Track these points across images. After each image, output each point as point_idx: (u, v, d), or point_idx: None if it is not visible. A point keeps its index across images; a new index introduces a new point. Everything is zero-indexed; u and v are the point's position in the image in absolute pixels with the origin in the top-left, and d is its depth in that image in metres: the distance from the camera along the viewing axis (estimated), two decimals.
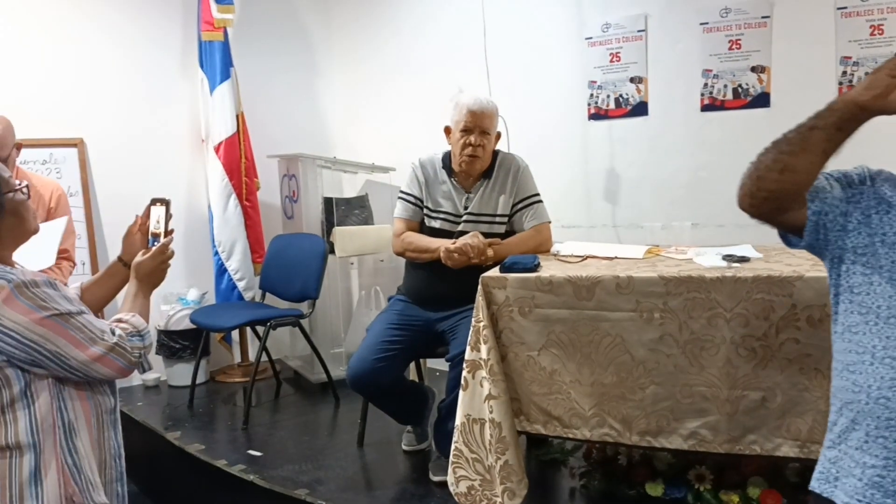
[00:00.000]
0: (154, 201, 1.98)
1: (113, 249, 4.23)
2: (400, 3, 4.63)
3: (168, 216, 1.96)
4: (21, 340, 1.52)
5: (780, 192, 1.41)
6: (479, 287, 2.47)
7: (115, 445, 1.78)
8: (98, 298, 1.93)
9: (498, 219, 3.01)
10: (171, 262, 1.92)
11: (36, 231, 1.73)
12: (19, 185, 1.68)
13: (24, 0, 3.97)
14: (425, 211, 3.07)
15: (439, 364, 4.14)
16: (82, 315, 1.62)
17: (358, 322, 4.29)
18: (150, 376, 4.31)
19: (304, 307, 4.00)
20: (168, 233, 1.94)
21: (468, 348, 2.47)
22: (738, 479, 2.49)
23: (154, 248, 1.89)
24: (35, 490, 1.58)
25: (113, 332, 1.66)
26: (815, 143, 1.35)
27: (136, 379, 4.31)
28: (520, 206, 3.01)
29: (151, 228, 1.96)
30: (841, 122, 1.32)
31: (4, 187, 1.63)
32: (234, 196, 4.38)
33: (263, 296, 4.26)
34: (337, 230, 4.16)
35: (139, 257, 1.88)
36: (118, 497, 1.78)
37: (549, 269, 2.50)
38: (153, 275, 1.88)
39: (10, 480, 1.57)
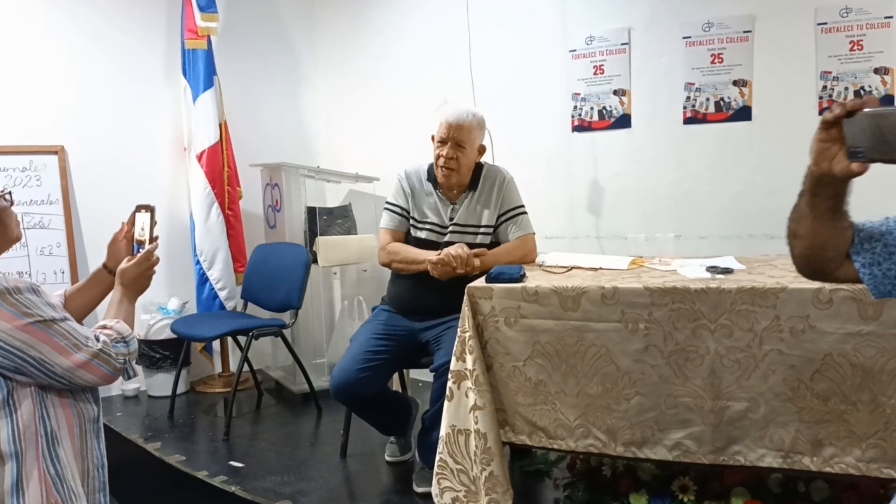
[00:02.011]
0: (139, 208, 1.97)
1: (93, 257, 4.20)
2: (385, 14, 4.64)
3: (153, 223, 1.94)
4: (4, 347, 1.50)
5: (804, 258, 1.39)
6: (465, 297, 2.47)
7: (98, 455, 1.75)
8: (82, 305, 1.91)
9: (483, 230, 3.02)
10: (155, 268, 1.91)
11: (19, 238, 1.72)
12: (1, 192, 1.66)
13: (4, 5, 3.94)
14: (411, 221, 3.07)
15: (422, 375, 4.13)
16: (66, 321, 1.60)
17: (340, 332, 4.27)
18: (130, 386, 4.27)
19: (286, 317, 3.97)
20: (153, 239, 1.93)
21: (454, 359, 2.47)
22: (721, 489, 2.49)
23: (139, 255, 1.88)
24: (17, 500, 1.55)
25: (97, 339, 1.64)
26: (804, 209, 1.32)
27: (116, 389, 4.26)
28: (505, 217, 3.01)
29: (136, 235, 1.94)
30: (812, 187, 1.29)
31: None
32: (216, 205, 4.36)
33: (245, 305, 4.23)
34: (320, 240, 4.15)
35: (124, 264, 1.87)
36: None
37: (535, 279, 2.50)
38: (138, 281, 1.86)
39: None
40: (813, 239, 1.35)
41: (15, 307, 1.52)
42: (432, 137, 3.04)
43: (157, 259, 1.92)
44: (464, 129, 2.94)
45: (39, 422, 1.60)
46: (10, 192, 1.67)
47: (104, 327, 1.71)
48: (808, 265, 1.41)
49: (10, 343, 1.51)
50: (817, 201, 1.30)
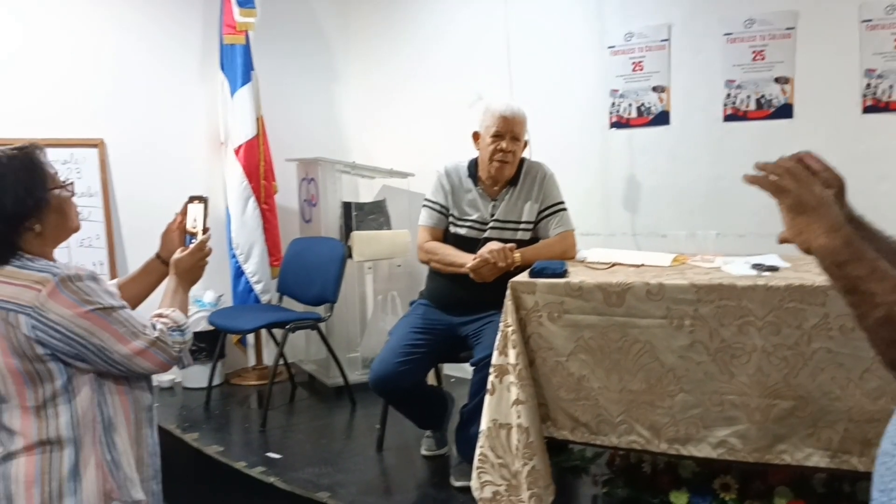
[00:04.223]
0: (192, 199, 1.99)
1: (131, 249, 4.25)
2: (419, 9, 4.65)
3: (206, 214, 1.96)
4: (66, 334, 1.53)
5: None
6: (508, 291, 2.47)
7: (152, 443, 1.78)
8: (134, 295, 1.94)
9: (523, 225, 3.02)
10: (208, 259, 1.93)
11: (78, 229, 1.74)
12: (65, 182, 1.68)
13: (46, 2, 3.99)
14: (451, 219, 3.08)
15: (455, 370, 4.15)
16: (124, 309, 1.63)
17: (374, 327, 4.30)
18: (166, 377, 4.31)
19: (321, 311, 4.00)
20: (205, 230, 1.95)
21: (496, 352, 2.47)
22: (763, 488, 2.47)
23: (193, 245, 1.90)
24: (74, 485, 1.58)
25: (154, 327, 1.66)
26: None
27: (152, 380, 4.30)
28: (546, 213, 3.01)
29: (188, 226, 1.97)
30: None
31: (50, 184, 1.64)
32: (252, 199, 4.39)
33: (280, 299, 4.26)
34: (355, 234, 4.17)
35: (178, 254, 1.89)
36: (153, 495, 1.78)
37: (578, 274, 2.50)
38: (192, 271, 1.89)
39: (50, 475, 1.57)
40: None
41: (76, 294, 1.54)
42: (475, 134, 3.04)
43: (210, 250, 1.94)
44: (517, 121, 2.97)
45: (97, 408, 1.63)
46: (72, 183, 1.70)
47: (160, 315, 1.73)
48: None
49: (72, 330, 1.53)
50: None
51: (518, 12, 4.07)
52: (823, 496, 2.42)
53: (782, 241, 1.15)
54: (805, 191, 1.14)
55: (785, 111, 3.45)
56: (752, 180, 1.18)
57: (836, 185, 1.22)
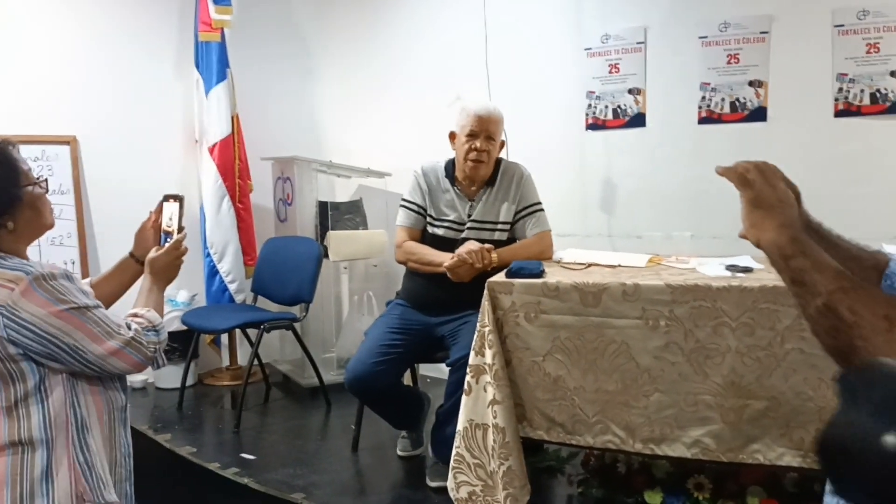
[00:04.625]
0: (167, 197, 1.97)
1: (103, 248, 4.20)
2: (398, 10, 4.64)
3: (181, 213, 1.94)
4: (39, 333, 1.50)
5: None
6: (486, 292, 2.47)
7: (125, 444, 1.75)
8: (108, 294, 1.91)
9: (500, 226, 3.02)
10: (184, 258, 1.91)
11: (52, 226, 1.72)
12: (38, 179, 1.66)
13: None
14: (428, 219, 3.07)
15: (432, 370, 4.14)
16: (99, 309, 1.60)
17: (350, 327, 4.28)
18: (138, 378, 4.26)
19: (296, 311, 3.97)
20: (181, 229, 1.93)
21: (472, 353, 2.48)
22: (736, 488, 2.50)
23: (168, 245, 1.88)
24: (46, 487, 1.55)
25: (129, 327, 1.64)
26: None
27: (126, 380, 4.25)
28: (522, 213, 3.02)
29: (164, 225, 1.95)
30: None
31: (24, 180, 1.61)
32: (227, 198, 4.36)
33: (255, 299, 4.23)
34: (332, 234, 4.15)
35: (153, 253, 1.87)
36: (126, 497, 1.76)
37: (555, 275, 2.51)
38: (168, 270, 1.87)
39: (21, 477, 1.53)
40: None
41: (50, 293, 1.52)
42: (451, 134, 3.04)
43: (186, 249, 1.92)
44: (493, 121, 2.97)
45: (70, 409, 1.60)
46: (45, 180, 1.67)
47: (135, 315, 1.71)
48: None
49: (45, 329, 1.51)
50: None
51: (496, 14, 4.07)
52: (795, 496, 2.44)
53: (742, 236, 1.19)
54: (768, 187, 1.18)
55: (759, 114, 3.48)
56: (722, 171, 1.23)
57: (794, 193, 1.27)
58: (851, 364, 1.00)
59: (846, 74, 3.30)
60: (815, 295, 1.04)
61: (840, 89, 3.32)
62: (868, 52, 3.26)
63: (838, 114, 3.32)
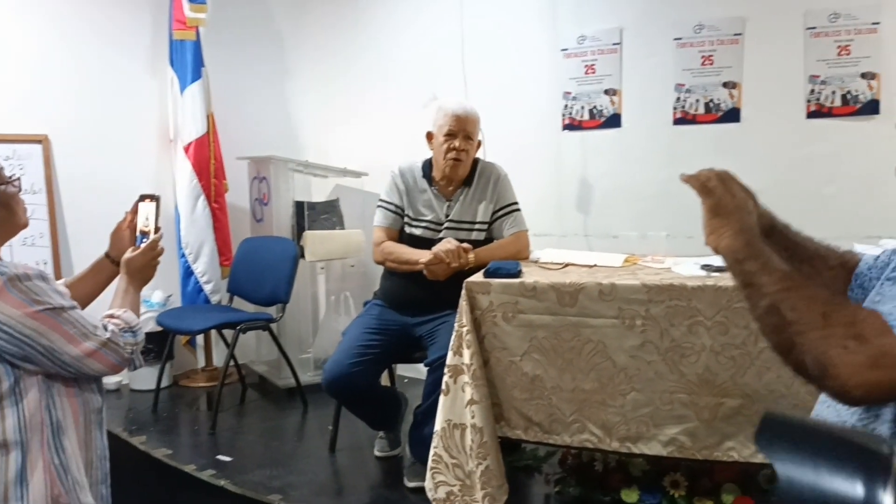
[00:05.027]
0: (143, 197, 1.95)
1: (76, 248, 4.15)
2: (375, 9, 4.62)
3: (158, 213, 1.93)
4: (13, 334, 1.48)
5: None
6: (463, 292, 2.48)
7: (102, 446, 1.74)
8: (83, 295, 1.89)
9: (478, 226, 3.03)
10: (160, 258, 1.90)
11: (26, 225, 1.70)
12: (11, 177, 1.64)
13: None
14: (406, 219, 3.07)
15: (409, 371, 4.14)
16: (74, 310, 1.59)
17: (327, 327, 4.27)
18: (112, 380, 4.21)
19: (273, 311, 3.95)
20: (157, 229, 1.92)
21: (450, 353, 2.48)
22: (711, 485, 2.53)
23: (145, 245, 1.87)
24: (21, 490, 1.54)
25: (105, 328, 1.63)
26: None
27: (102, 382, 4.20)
28: (500, 213, 3.03)
29: (140, 225, 1.93)
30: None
31: None
32: (202, 197, 4.32)
33: (231, 299, 4.21)
34: (308, 234, 4.13)
35: (129, 254, 1.85)
36: (102, 499, 1.74)
37: (532, 275, 2.52)
38: (144, 271, 1.86)
39: None
40: None
41: (25, 294, 1.50)
42: (428, 134, 3.05)
43: (163, 249, 1.91)
44: (470, 121, 2.98)
45: (45, 411, 1.58)
46: (18, 179, 1.65)
47: (112, 316, 1.70)
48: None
49: (19, 330, 1.49)
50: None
51: (473, 14, 4.08)
52: (769, 492, 2.48)
53: (707, 243, 1.22)
54: (727, 195, 1.22)
55: (733, 115, 3.52)
56: (686, 179, 1.29)
57: (751, 200, 1.32)
58: (793, 361, 1.07)
59: (818, 76, 3.35)
60: (762, 296, 1.09)
61: (812, 91, 3.36)
62: (839, 55, 3.31)
63: (810, 115, 3.37)
